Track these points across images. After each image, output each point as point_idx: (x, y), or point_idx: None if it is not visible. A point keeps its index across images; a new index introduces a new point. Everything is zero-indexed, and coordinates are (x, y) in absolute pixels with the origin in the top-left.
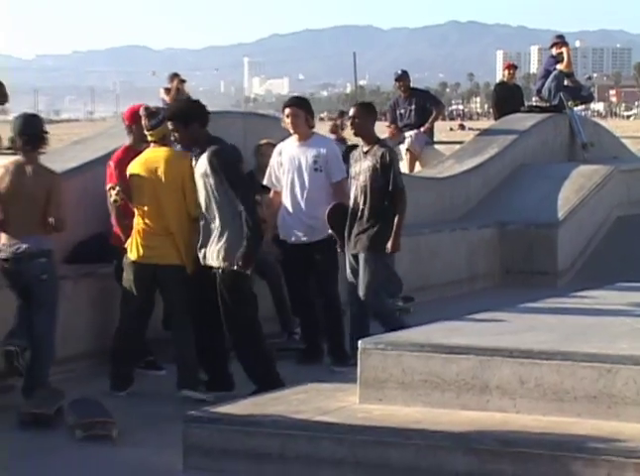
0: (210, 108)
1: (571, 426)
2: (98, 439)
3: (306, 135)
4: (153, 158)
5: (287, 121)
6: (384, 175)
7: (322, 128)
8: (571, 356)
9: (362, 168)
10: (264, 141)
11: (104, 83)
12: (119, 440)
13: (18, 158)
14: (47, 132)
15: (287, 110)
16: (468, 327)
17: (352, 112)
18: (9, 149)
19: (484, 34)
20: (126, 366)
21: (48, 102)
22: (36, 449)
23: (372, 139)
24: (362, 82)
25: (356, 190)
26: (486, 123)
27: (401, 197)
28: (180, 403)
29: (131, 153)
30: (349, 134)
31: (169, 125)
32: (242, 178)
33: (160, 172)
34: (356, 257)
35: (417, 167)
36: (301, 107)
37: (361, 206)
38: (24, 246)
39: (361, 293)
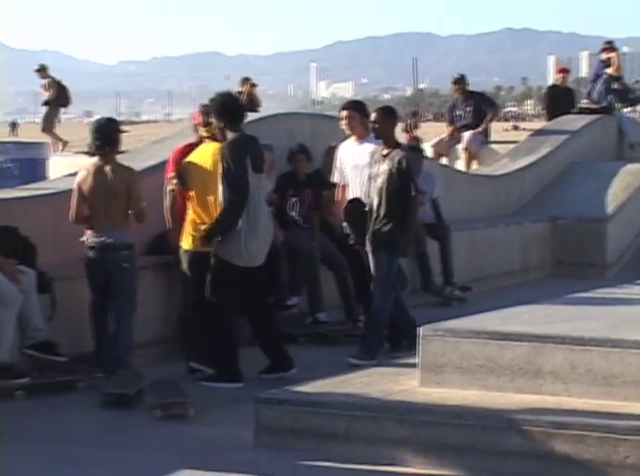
0: (279, 110)
1: (619, 409)
2: (176, 418)
3: (362, 135)
4: (204, 152)
5: (344, 123)
6: (400, 179)
7: None
8: (619, 343)
9: (380, 170)
10: (333, 143)
11: (181, 87)
12: (195, 420)
13: (96, 159)
14: (121, 132)
15: (344, 113)
16: (521, 315)
17: (372, 117)
18: (87, 152)
19: (537, 40)
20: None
21: (129, 105)
22: (118, 427)
23: (391, 143)
24: (421, 86)
25: (373, 191)
26: (539, 124)
27: (410, 204)
28: (253, 385)
29: (193, 148)
30: (421, 133)
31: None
32: (236, 165)
33: (209, 165)
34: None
35: (474, 165)
36: (356, 110)
37: (376, 207)
38: (109, 240)
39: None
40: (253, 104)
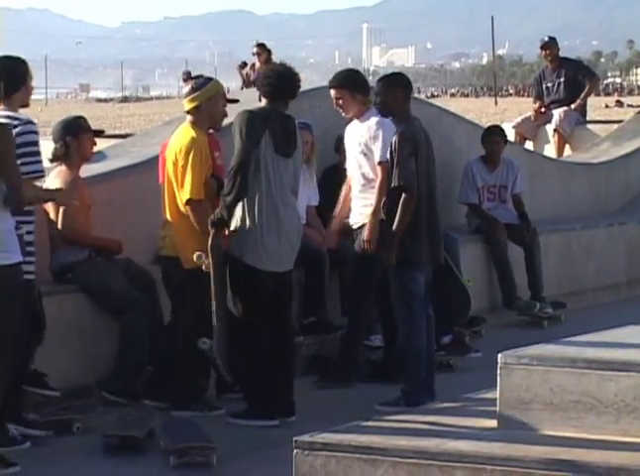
0: (323, 83)
1: None
2: (195, 467)
3: (361, 112)
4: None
5: (335, 105)
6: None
7: (452, 103)
8: None
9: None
10: None
11: (200, 55)
12: (219, 469)
13: None
14: None
15: (331, 92)
16: (628, 339)
17: (376, 89)
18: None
19: None
20: None
21: (135, 77)
22: None
23: (400, 117)
24: (500, 52)
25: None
26: None
27: (399, 200)
28: (289, 425)
29: None
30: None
31: None
32: (242, 135)
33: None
34: None
35: (567, 150)
36: (343, 86)
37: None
38: None
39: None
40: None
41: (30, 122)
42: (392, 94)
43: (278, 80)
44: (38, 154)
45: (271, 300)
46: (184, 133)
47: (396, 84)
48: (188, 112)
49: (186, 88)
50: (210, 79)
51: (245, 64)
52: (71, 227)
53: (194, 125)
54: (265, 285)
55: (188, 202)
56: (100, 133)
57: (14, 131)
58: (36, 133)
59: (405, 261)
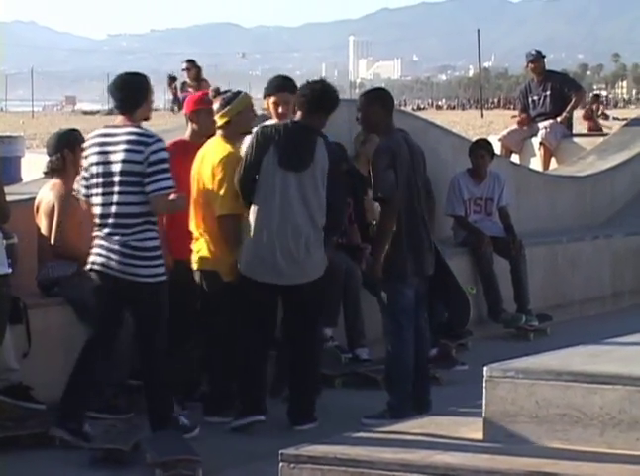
0: None
1: None
2: None
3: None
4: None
5: (273, 112)
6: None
7: (438, 116)
8: None
9: None
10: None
11: None
12: None
13: None
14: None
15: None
16: (614, 352)
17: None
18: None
19: (633, 5)
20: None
21: None
22: None
23: (381, 132)
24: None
25: None
26: (635, 111)
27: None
28: (277, 437)
29: (184, 147)
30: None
31: None
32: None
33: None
34: None
35: (553, 163)
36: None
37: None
38: None
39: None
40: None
41: (160, 139)
42: (372, 109)
43: (313, 95)
44: (170, 170)
45: (276, 312)
46: (221, 147)
47: (376, 99)
48: (220, 127)
49: (216, 105)
50: (238, 93)
51: (174, 79)
52: (64, 241)
53: (227, 139)
54: (262, 295)
55: (220, 218)
56: None
57: (148, 148)
58: (166, 150)
59: (390, 274)
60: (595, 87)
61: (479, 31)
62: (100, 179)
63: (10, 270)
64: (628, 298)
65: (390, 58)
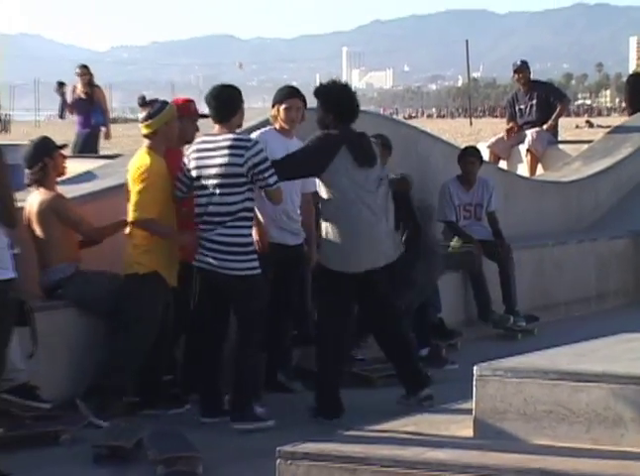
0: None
1: None
2: None
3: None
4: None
5: (284, 117)
6: None
7: (429, 124)
8: None
9: None
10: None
11: (185, 77)
12: None
13: None
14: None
15: (289, 103)
16: (598, 352)
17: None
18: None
19: (616, 17)
20: None
21: (123, 99)
22: None
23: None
24: (475, 74)
25: None
26: (618, 119)
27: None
28: (275, 434)
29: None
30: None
31: None
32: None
33: None
34: None
35: (539, 169)
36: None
37: None
38: None
39: None
40: (94, 105)
41: (257, 142)
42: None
43: (342, 108)
44: (272, 166)
45: (356, 299)
46: (141, 158)
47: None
48: (146, 136)
49: (143, 114)
50: (166, 104)
51: (62, 84)
52: (91, 230)
53: (151, 150)
54: (346, 285)
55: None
56: (64, 146)
57: (249, 152)
58: (263, 150)
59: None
60: (580, 96)
61: (467, 42)
62: (201, 182)
63: (15, 275)
64: (612, 300)
65: (382, 68)
